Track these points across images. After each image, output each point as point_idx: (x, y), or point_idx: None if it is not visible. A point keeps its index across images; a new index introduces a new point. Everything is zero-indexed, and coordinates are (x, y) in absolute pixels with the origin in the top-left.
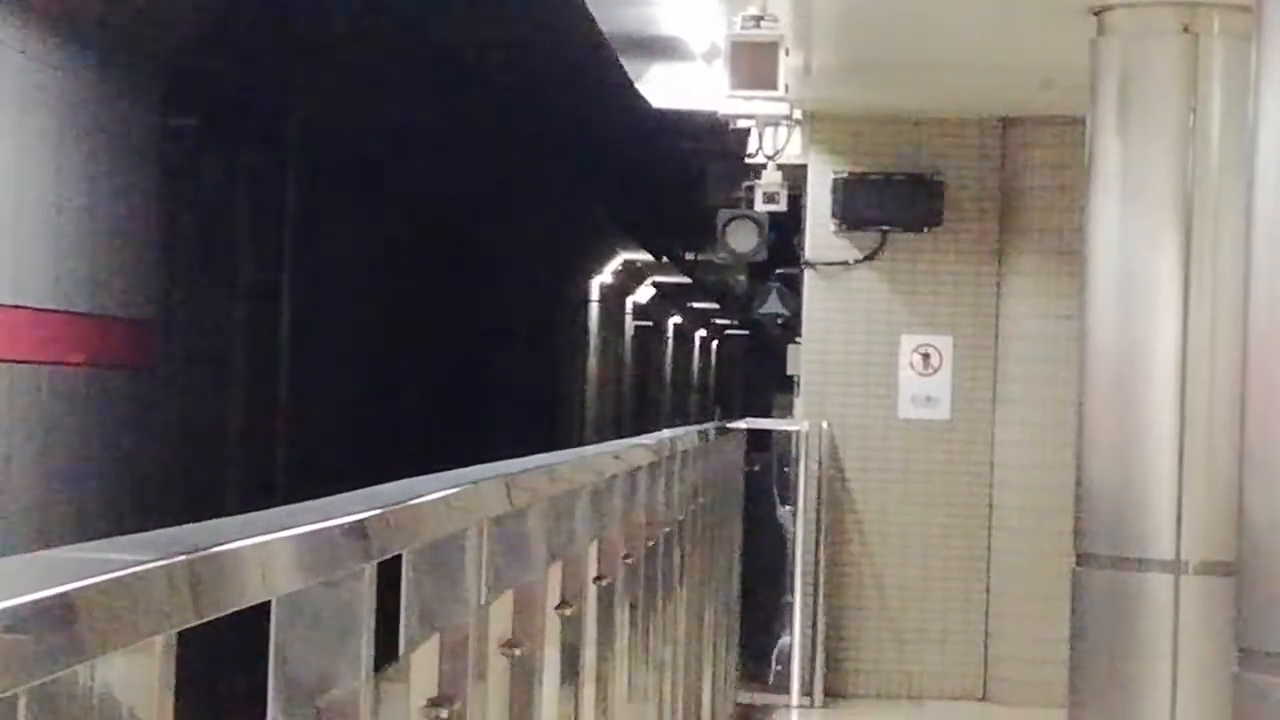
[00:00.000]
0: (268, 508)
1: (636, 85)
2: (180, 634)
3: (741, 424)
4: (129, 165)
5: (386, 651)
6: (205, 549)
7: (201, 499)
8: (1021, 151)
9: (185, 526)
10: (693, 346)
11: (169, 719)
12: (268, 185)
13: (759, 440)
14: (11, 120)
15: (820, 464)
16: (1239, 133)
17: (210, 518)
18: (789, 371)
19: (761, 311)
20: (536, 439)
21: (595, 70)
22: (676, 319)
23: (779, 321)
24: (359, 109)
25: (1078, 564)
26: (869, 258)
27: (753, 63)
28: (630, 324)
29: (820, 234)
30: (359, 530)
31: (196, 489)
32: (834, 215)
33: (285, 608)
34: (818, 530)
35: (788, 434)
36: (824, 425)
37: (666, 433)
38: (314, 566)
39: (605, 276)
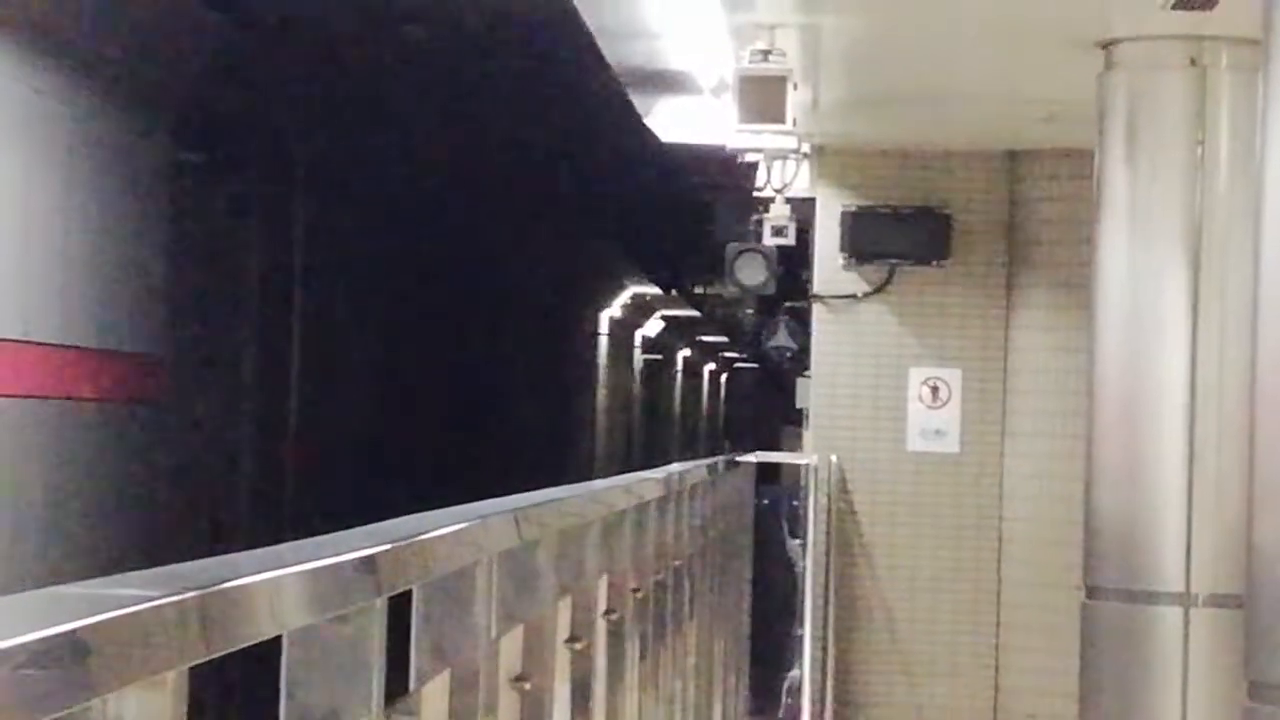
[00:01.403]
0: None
1: (645, 120)
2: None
3: (751, 457)
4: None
5: (397, 686)
6: (216, 584)
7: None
8: (1029, 185)
9: (196, 562)
10: (702, 380)
11: None
12: (275, 216)
13: (768, 473)
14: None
15: (829, 497)
16: (1247, 166)
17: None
18: (798, 405)
19: (770, 345)
20: (546, 472)
21: (603, 105)
22: (685, 352)
23: (788, 355)
24: (367, 142)
25: (1087, 596)
26: (877, 291)
27: (761, 97)
28: (639, 357)
29: (828, 267)
30: (370, 565)
31: (202, 522)
32: (842, 249)
33: (296, 642)
34: (827, 563)
35: (797, 467)
36: (833, 458)
37: (676, 466)
38: (325, 601)
39: (614, 310)
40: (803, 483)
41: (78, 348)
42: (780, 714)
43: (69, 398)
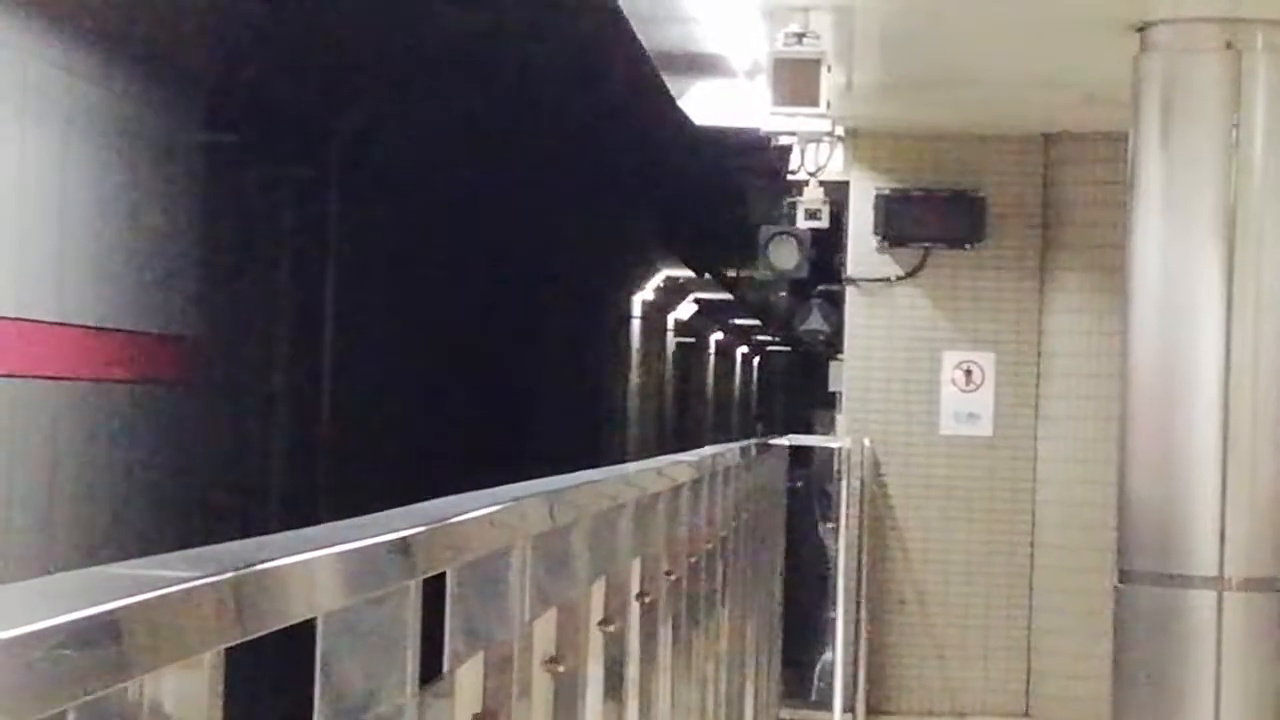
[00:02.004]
0: (309, 523)
1: (679, 103)
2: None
3: (783, 441)
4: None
5: (431, 668)
6: (252, 566)
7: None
8: (1064, 167)
9: (232, 543)
10: (734, 363)
11: None
12: (309, 197)
13: (801, 457)
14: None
15: (862, 480)
16: None
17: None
18: (831, 388)
19: (803, 328)
20: (579, 456)
21: (637, 88)
22: (718, 335)
23: (821, 338)
24: (401, 125)
25: (1120, 580)
26: (911, 274)
27: (795, 79)
28: (672, 340)
29: (862, 250)
30: (404, 547)
31: (236, 503)
32: (876, 232)
33: (331, 624)
34: (860, 546)
35: (830, 451)
36: (866, 442)
37: (708, 450)
38: (359, 583)
39: (647, 293)
40: (835, 466)
41: (109, 329)
42: (813, 697)
43: (97, 380)
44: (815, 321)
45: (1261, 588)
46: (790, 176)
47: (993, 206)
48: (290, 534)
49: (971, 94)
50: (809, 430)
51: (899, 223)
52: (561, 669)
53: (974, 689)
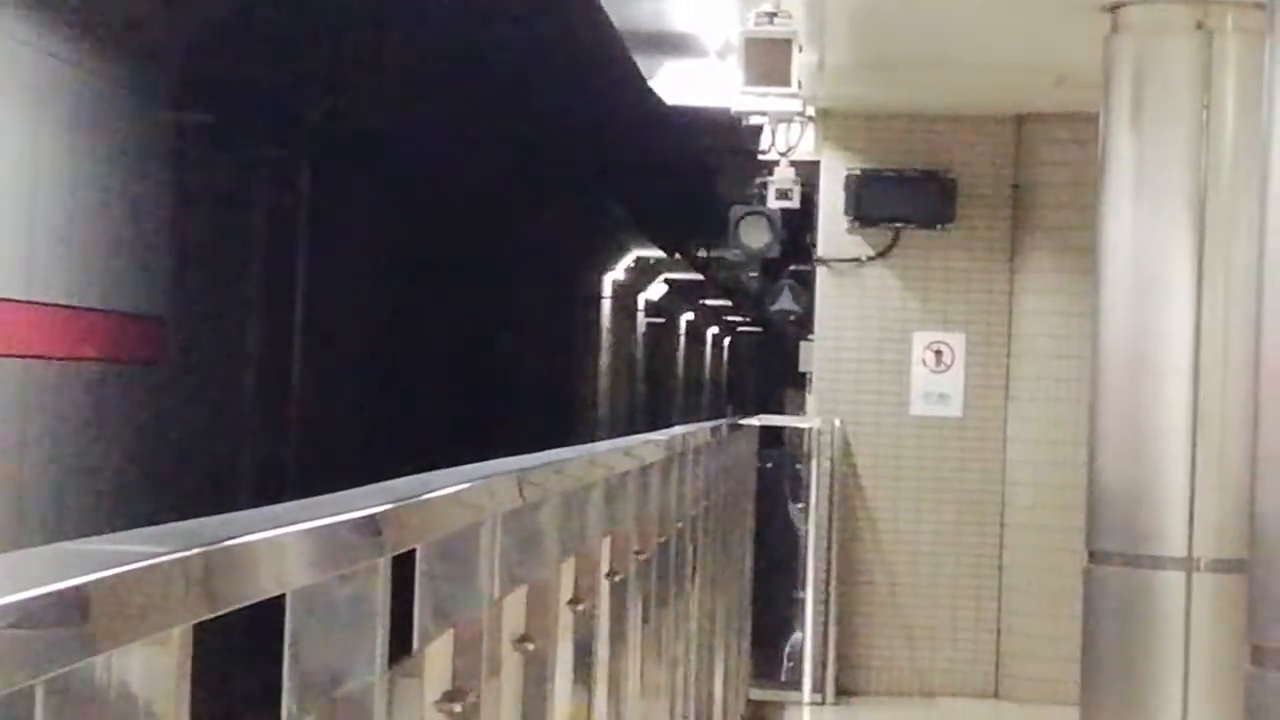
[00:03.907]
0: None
1: (650, 82)
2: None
3: (754, 421)
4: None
5: (400, 646)
6: (220, 542)
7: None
8: (1035, 148)
9: (200, 520)
10: (705, 343)
11: (186, 711)
12: (279, 179)
13: (771, 437)
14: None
15: (832, 461)
16: (1252, 129)
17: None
18: (801, 368)
19: (774, 308)
20: (549, 436)
21: (608, 67)
22: (689, 315)
23: (791, 318)
24: (372, 106)
25: (1090, 561)
26: (882, 255)
27: (766, 59)
28: (642, 321)
29: (833, 231)
30: (373, 524)
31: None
32: (847, 212)
33: (300, 601)
34: (829, 527)
35: (800, 431)
36: (836, 422)
37: (679, 429)
38: (328, 560)
39: (618, 273)
40: (805, 446)
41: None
42: (782, 677)
43: (70, 359)
44: (786, 302)
45: (1230, 569)
46: (761, 156)
47: (964, 187)
48: (259, 510)
49: (943, 75)
50: (780, 411)
51: (870, 203)
52: (531, 647)
53: (943, 670)
